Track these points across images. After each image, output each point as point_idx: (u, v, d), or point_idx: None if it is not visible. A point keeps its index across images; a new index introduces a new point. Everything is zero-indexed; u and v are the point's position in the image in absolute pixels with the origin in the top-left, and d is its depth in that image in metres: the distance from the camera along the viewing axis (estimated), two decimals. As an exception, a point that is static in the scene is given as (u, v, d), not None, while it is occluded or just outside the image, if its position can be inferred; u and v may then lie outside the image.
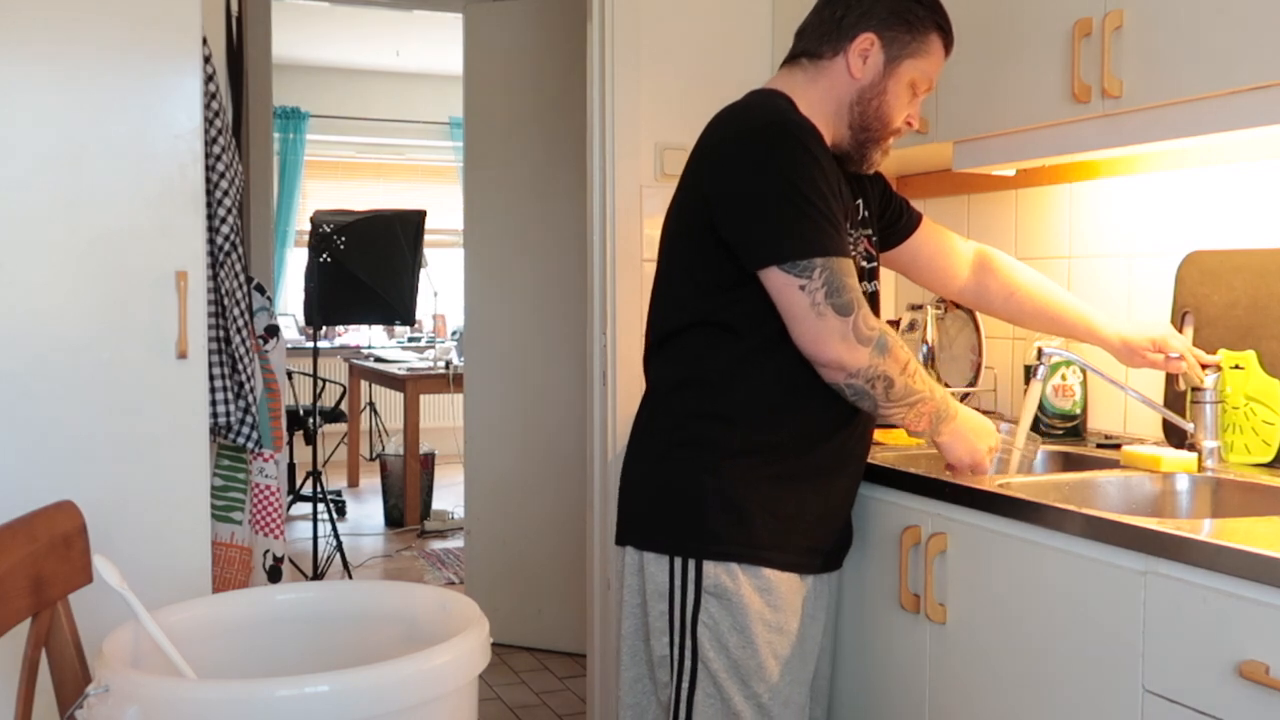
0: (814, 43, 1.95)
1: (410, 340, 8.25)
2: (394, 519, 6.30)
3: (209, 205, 2.34)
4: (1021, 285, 2.23)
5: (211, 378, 2.38)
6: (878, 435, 2.15)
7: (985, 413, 2.22)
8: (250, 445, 2.53)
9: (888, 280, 2.92)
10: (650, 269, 2.05)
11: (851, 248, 1.90)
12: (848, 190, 1.96)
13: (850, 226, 1.94)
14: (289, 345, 7.17)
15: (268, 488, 2.60)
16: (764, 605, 1.87)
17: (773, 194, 1.79)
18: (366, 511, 6.66)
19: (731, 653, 1.86)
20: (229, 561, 2.54)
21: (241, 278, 2.46)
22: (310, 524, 5.04)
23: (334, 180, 8.70)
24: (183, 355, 2.24)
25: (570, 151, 3.87)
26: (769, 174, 1.80)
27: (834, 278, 1.78)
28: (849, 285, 1.79)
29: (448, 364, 6.34)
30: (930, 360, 2.79)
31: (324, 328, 6.50)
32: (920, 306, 2.82)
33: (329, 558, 5.15)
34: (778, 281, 1.79)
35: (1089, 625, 1.63)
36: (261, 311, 2.61)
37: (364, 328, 8.41)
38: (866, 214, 2.06)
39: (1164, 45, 1.89)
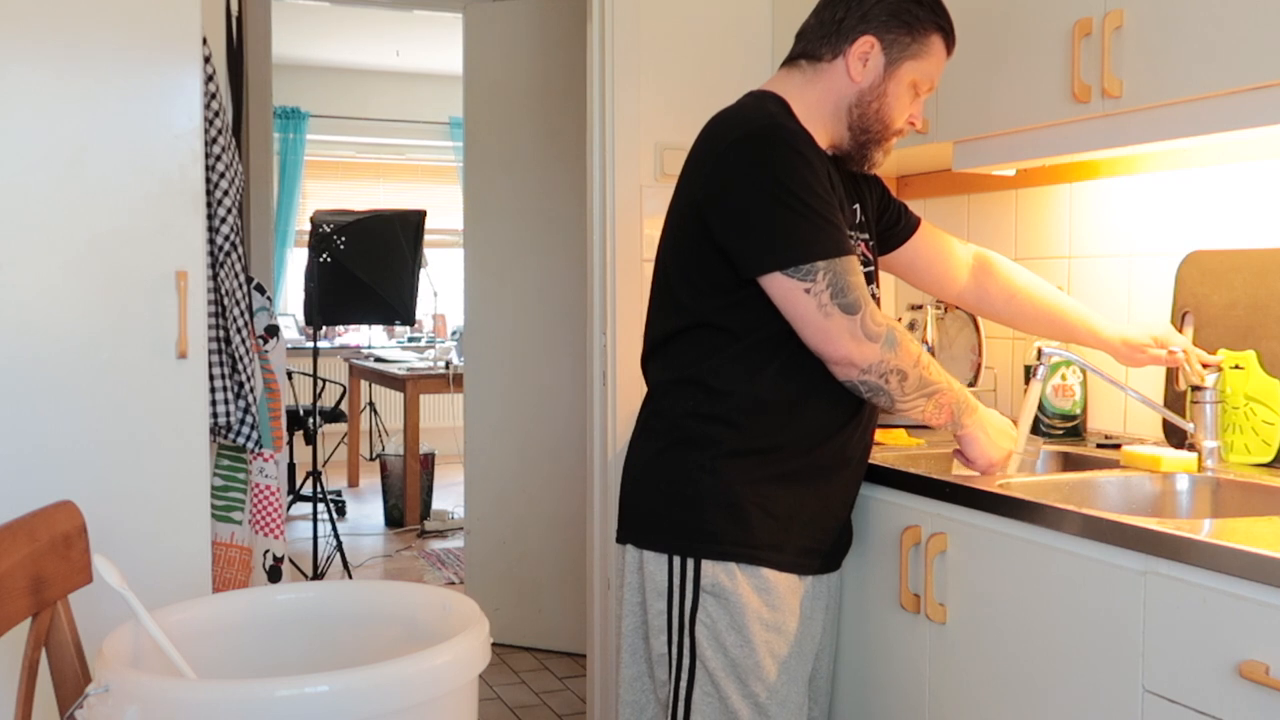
0: (813, 44, 1.95)
1: (410, 340, 8.26)
2: (394, 519, 6.30)
3: (209, 205, 2.35)
4: (1021, 289, 2.23)
5: (211, 378, 2.38)
6: (878, 435, 2.15)
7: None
8: (250, 445, 2.53)
9: (888, 280, 2.92)
10: (650, 269, 2.05)
11: (851, 249, 1.90)
12: (845, 194, 1.96)
13: (848, 229, 1.94)
14: (289, 345, 7.18)
15: (268, 488, 2.60)
16: (762, 605, 1.87)
17: (768, 199, 1.79)
18: (366, 511, 6.66)
19: (729, 652, 1.86)
20: (229, 561, 2.54)
21: (241, 278, 2.46)
22: (310, 524, 5.04)
23: (334, 180, 8.70)
24: (183, 355, 2.24)
25: (570, 151, 3.87)
26: (762, 180, 1.80)
27: (838, 278, 1.78)
28: (854, 284, 1.79)
29: (448, 364, 6.34)
30: (930, 360, 2.79)
31: (324, 328, 6.50)
32: (920, 306, 2.82)
33: (329, 558, 5.15)
34: (782, 287, 1.79)
35: (1089, 625, 1.63)
36: (261, 311, 2.62)
37: (364, 328, 8.41)
38: (864, 218, 2.06)
39: (1164, 45, 1.89)
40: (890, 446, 2.34)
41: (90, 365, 2.18)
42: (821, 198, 1.81)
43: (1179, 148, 2.22)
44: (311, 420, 5.16)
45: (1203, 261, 2.23)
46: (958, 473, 1.98)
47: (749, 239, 1.80)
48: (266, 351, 2.62)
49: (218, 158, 2.36)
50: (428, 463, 6.33)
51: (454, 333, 8.08)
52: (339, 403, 6.84)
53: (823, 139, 1.93)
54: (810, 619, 1.96)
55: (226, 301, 2.42)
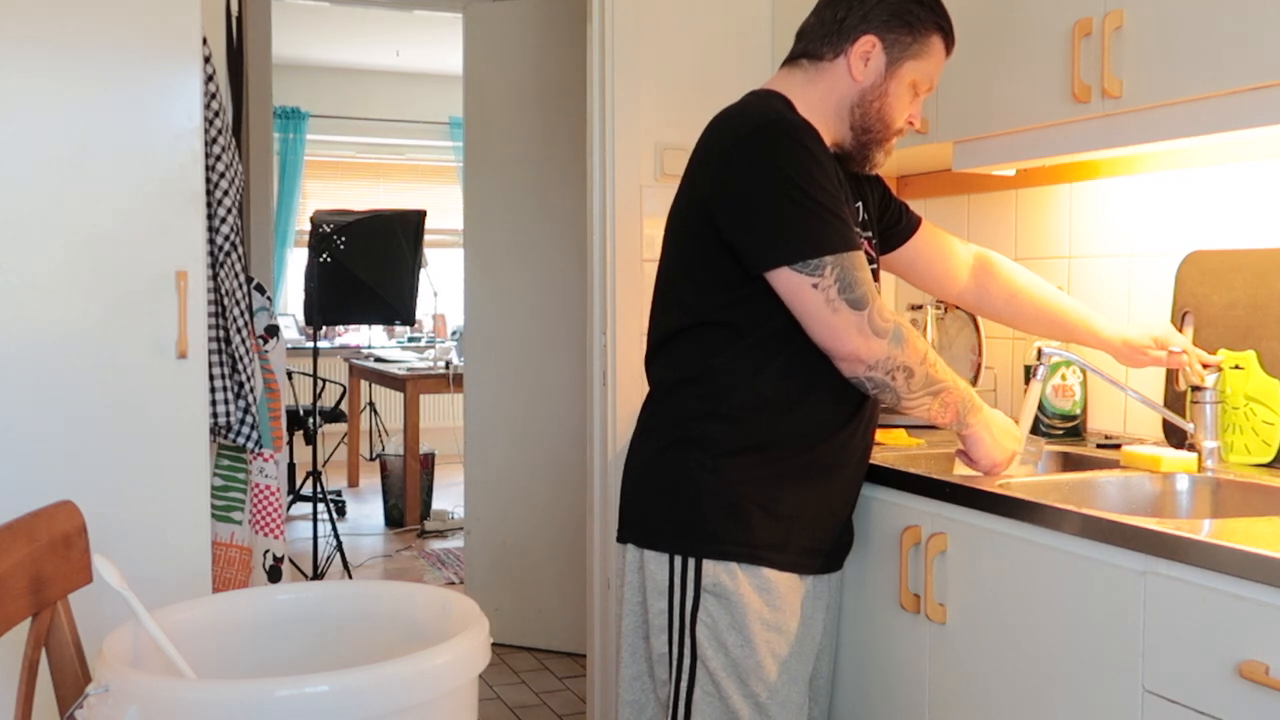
0: (814, 44, 1.95)
1: (410, 340, 8.26)
2: (394, 519, 6.30)
3: (209, 205, 2.35)
4: (1022, 289, 2.23)
5: (211, 378, 2.38)
6: (878, 435, 2.15)
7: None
8: (250, 445, 2.53)
9: (888, 280, 2.92)
10: (650, 269, 2.05)
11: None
12: (848, 192, 1.96)
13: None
14: (289, 345, 7.18)
15: (268, 488, 2.60)
16: (763, 605, 1.87)
17: (775, 194, 1.79)
18: (366, 511, 6.66)
19: (730, 651, 1.87)
20: (229, 561, 2.54)
21: (241, 278, 2.47)
22: (310, 524, 5.04)
23: (334, 180, 8.70)
24: (183, 355, 2.24)
25: (570, 152, 3.87)
26: (770, 174, 1.80)
27: (845, 274, 1.78)
28: (861, 279, 1.79)
29: (448, 364, 6.34)
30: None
31: (324, 328, 6.50)
32: (920, 306, 2.82)
33: (329, 558, 5.15)
34: (790, 282, 1.79)
35: (1089, 625, 1.63)
36: (261, 311, 2.62)
37: (364, 328, 8.41)
38: (866, 216, 2.06)
39: (1164, 45, 1.89)
40: (890, 446, 2.34)
41: (90, 365, 2.18)
42: (829, 192, 1.81)
43: (1179, 148, 2.22)
44: (311, 420, 5.16)
45: (1203, 261, 2.23)
46: (960, 473, 1.98)
47: (756, 234, 1.80)
48: (266, 351, 2.62)
49: (218, 158, 2.36)
50: (428, 463, 6.33)
51: (454, 333, 8.08)
52: (339, 403, 6.84)
53: (826, 138, 1.92)
54: (811, 619, 1.96)
55: (226, 301, 2.42)
